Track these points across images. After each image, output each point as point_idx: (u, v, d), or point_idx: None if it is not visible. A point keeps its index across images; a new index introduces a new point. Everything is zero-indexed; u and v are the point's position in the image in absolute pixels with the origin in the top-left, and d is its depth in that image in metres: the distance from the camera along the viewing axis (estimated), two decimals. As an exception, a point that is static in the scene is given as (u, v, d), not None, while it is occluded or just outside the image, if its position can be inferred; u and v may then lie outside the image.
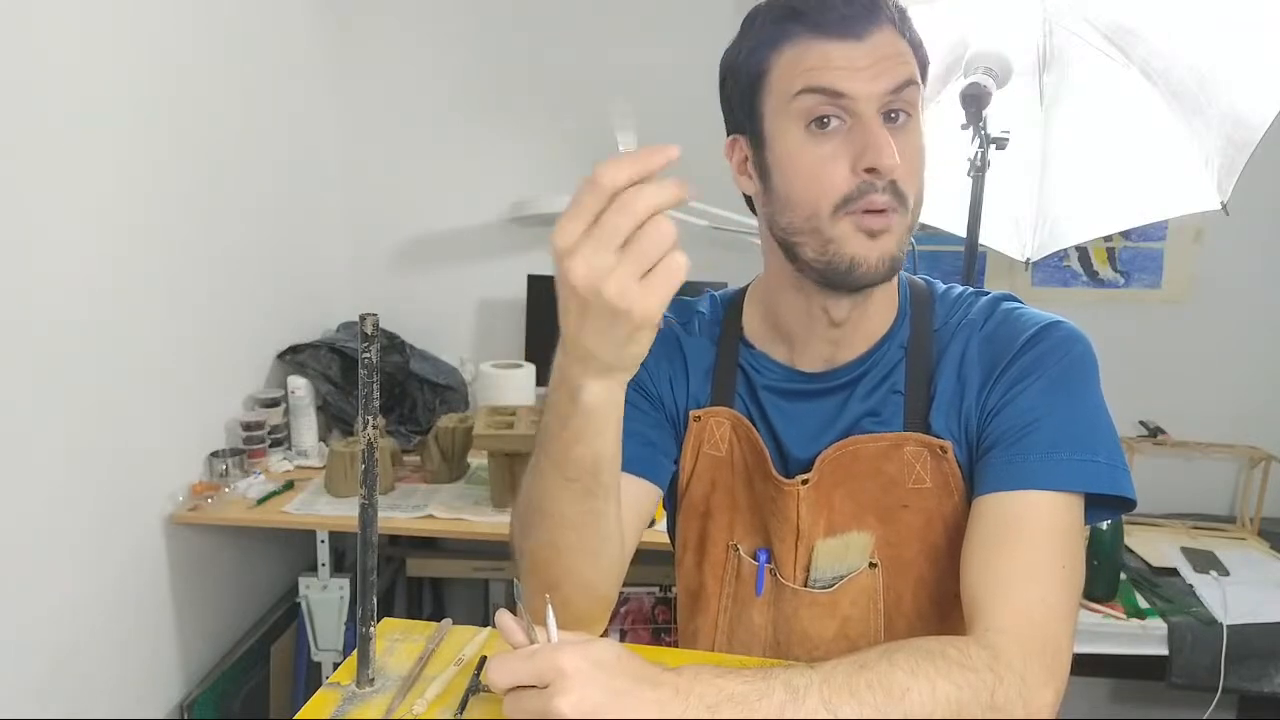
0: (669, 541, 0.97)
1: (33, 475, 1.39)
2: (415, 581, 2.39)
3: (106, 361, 1.53)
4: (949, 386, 0.80)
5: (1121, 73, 1.53)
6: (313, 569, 1.88)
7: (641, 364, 0.86)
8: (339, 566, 1.90)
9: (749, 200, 0.83)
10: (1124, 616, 1.69)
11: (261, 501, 1.80)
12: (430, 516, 1.76)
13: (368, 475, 0.71)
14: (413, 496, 1.85)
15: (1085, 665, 1.71)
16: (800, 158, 0.73)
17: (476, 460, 2.01)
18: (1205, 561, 1.88)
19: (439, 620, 0.85)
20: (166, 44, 1.66)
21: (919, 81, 0.74)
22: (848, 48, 0.70)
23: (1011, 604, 0.67)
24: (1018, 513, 0.71)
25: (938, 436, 0.79)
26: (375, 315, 0.68)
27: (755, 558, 0.86)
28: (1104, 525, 1.70)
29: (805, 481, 0.81)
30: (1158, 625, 1.67)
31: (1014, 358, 0.77)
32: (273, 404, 2.02)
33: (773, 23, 0.73)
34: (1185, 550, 1.94)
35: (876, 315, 0.82)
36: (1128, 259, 2.22)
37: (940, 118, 1.58)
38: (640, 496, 0.82)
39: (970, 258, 1.50)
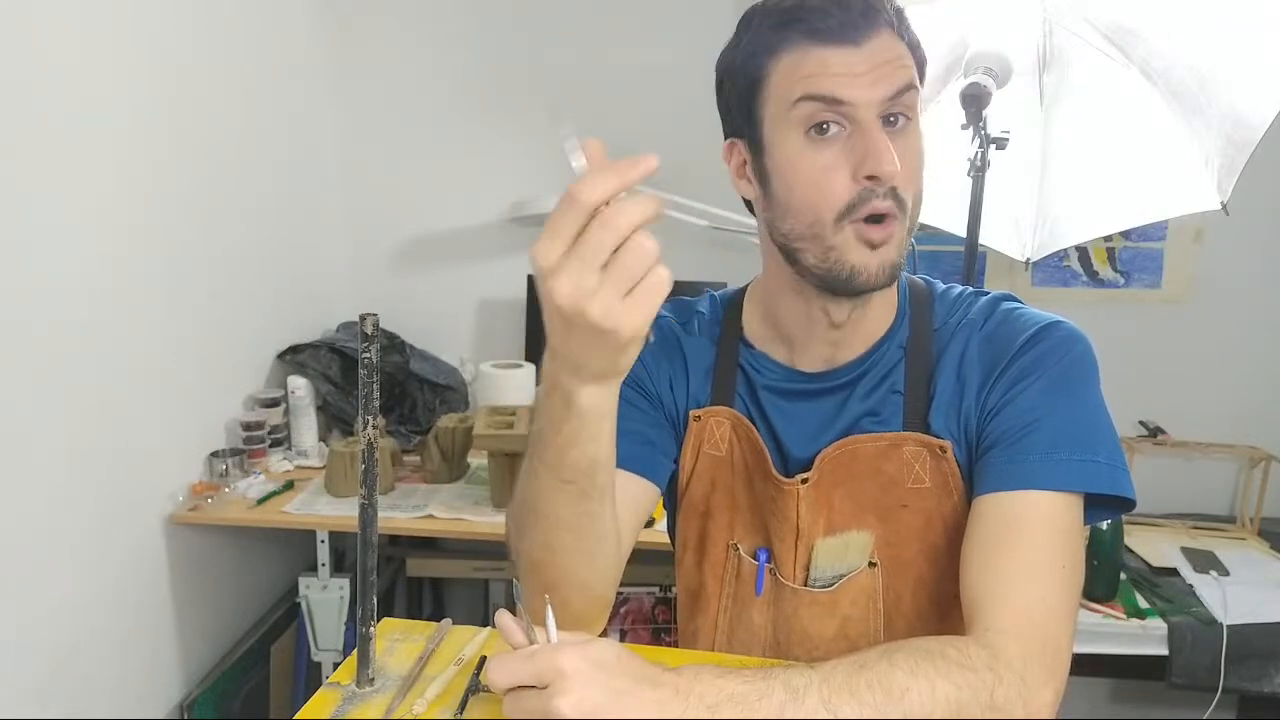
0: (669, 541, 0.97)
1: (33, 475, 1.39)
2: (415, 581, 2.39)
3: (106, 361, 1.53)
4: (948, 386, 0.80)
5: (1121, 73, 1.53)
6: (313, 569, 1.88)
7: (641, 363, 0.87)
8: (339, 566, 1.90)
9: (748, 202, 0.83)
10: (1124, 616, 1.69)
11: (261, 501, 1.80)
12: (430, 516, 1.76)
13: (368, 475, 0.71)
14: (413, 496, 1.85)
15: (1085, 665, 1.70)
16: (800, 165, 0.73)
17: (476, 460, 2.01)
18: (1205, 561, 1.88)
19: (439, 620, 0.85)
20: (166, 44, 1.66)
21: (917, 85, 0.73)
22: (846, 54, 0.70)
23: (1011, 604, 0.67)
24: (1018, 513, 0.71)
25: (937, 436, 0.79)
26: (375, 315, 0.68)
27: (755, 557, 0.86)
28: (1104, 525, 1.70)
29: (805, 481, 0.81)
30: (1158, 625, 1.67)
31: (1014, 358, 0.77)
32: (273, 404, 2.02)
33: (770, 28, 0.73)
34: (1185, 550, 1.94)
35: (876, 316, 0.82)
36: (1128, 259, 2.22)
37: (940, 118, 1.58)
38: (638, 495, 0.82)
39: (970, 258, 1.50)
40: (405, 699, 0.72)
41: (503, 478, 1.76)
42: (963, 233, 1.49)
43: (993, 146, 1.41)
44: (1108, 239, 2.20)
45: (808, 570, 0.83)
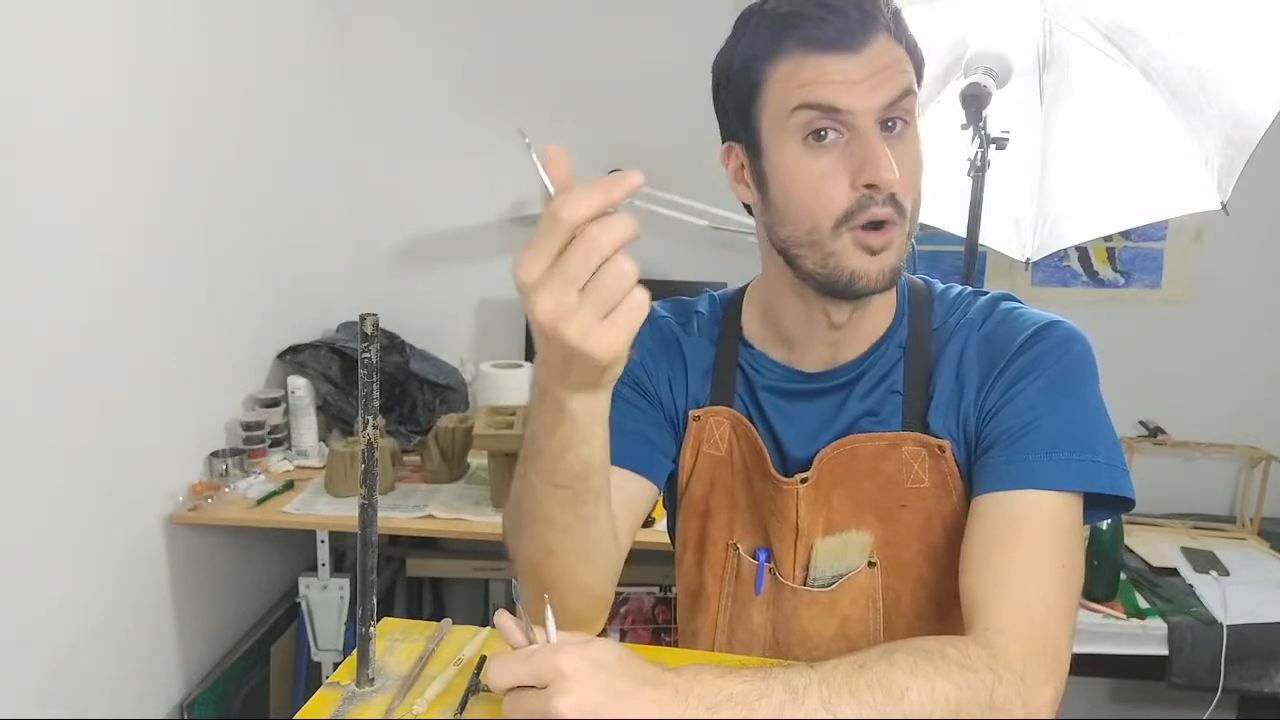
0: (669, 541, 0.97)
1: (33, 475, 1.39)
2: (415, 581, 2.39)
3: (106, 361, 1.53)
4: (947, 386, 0.80)
5: (1121, 73, 1.53)
6: (313, 569, 1.88)
7: (640, 363, 0.87)
8: (339, 566, 1.90)
9: (747, 204, 0.83)
10: (1124, 616, 1.69)
11: (261, 501, 1.80)
12: (430, 516, 1.76)
13: (368, 475, 0.71)
14: (413, 496, 1.85)
15: (1085, 665, 1.70)
16: (798, 172, 0.72)
17: (476, 460, 2.01)
18: (1205, 561, 1.88)
19: (439, 620, 0.85)
20: (166, 44, 1.66)
21: (915, 90, 0.73)
22: (843, 61, 0.69)
23: (1011, 604, 0.67)
24: (1017, 512, 0.71)
25: (936, 436, 0.79)
26: (375, 315, 0.68)
27: (755, 557, 0.86)
28: (1104, 525, 1.70)
29: (804, 480, 0.81)
30: (1158, 625, 1.67)
31: (1013, 357, 0.77)
32: (273, 404, 2.02)
33: (766, 34, 0.72)
34: (1185, 550, 1.94)
35: (875, 316, 0.82)
36: (1128, 259, 2.22)
37: (940, 118, 1.58)
38: (637, 495, 0.82)
39: (970, 258, 1.50)
40: (405, 699, 0.72)
41: (503, 478, 1.76)
42: (963, 233, 1.49)
43: (993, 146, 1.41)
44: (1108, 239, 2.20)
45: (807, 570, 0.83)
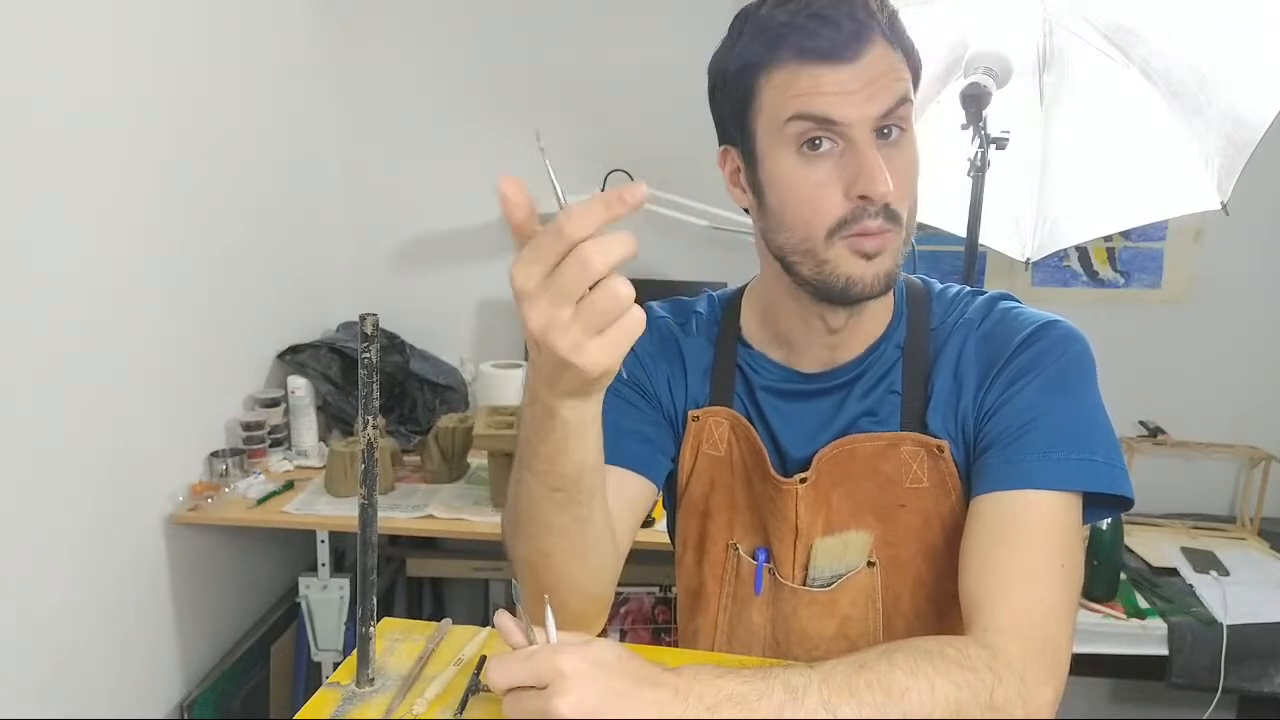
0: (669, 541, 0.97)
1: (33, 475, 1.39)
2: (415, 581, 2.39)
3: (106, 361, 1.53)
4: (946, 386, 0.80)
5: (1121, 73, 1.53)
6: (313, 569, 1.88)
7: (640, 363, 0.87)
8: (339, 566, 1.90)
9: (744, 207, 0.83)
10: (1124, 616, 1.69)
11: (261, 501, 1.80)
12: (430, 516, 1.76)
13: (368, 475, 0.71)
14: (413, 496, 1.85)
15: (1085, 665, 1.70)
16: (793, 181, 0.72)
17: (476, 460, 2.01)
18: (1205, 561, 1.88)
19: (439, 620, 0.85)
20: (166, 44, 1.66)
21: (912, 97, 0.73)
22: (837, 71, 0.69)
23: (1011, 604, 0.67)
24: (1016, 512, 0.71)
25: (935, 436, 0.79)
26: (375, 315, 0.68)
27: (754, 557, 0.86)
28: (1104, 525, 1.70)
29: (804, 481, 0.81)
30: (1158, 625, 1.67)
31: (1011, 357, 0.77)
32: (273, 404, 2.02)
33: (761, 43, 0.72)
34: (1185, 550, 1.94)
35: (873, 318, 0.82)
36: (1128, 259, 2.22)
37: (940, 118, 1.58)
38: (636, 494, 0.82)
39: (970, 258, 1.50)
40: (405, 699, 0.72)
41: (503, 478, 1.76)
42: (963, 233, 1.49)
43: (993, 146, 1.41)
44: (1108, 239, 2.20)
45: (806, 570, 0.83)
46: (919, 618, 0.83)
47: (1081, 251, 2.22)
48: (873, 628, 0.83)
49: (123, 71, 1.55)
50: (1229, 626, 1.65)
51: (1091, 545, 1.70)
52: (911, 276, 0.87)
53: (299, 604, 1.90)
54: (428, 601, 2.48)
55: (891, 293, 0.83)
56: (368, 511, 0.71)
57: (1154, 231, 2.18)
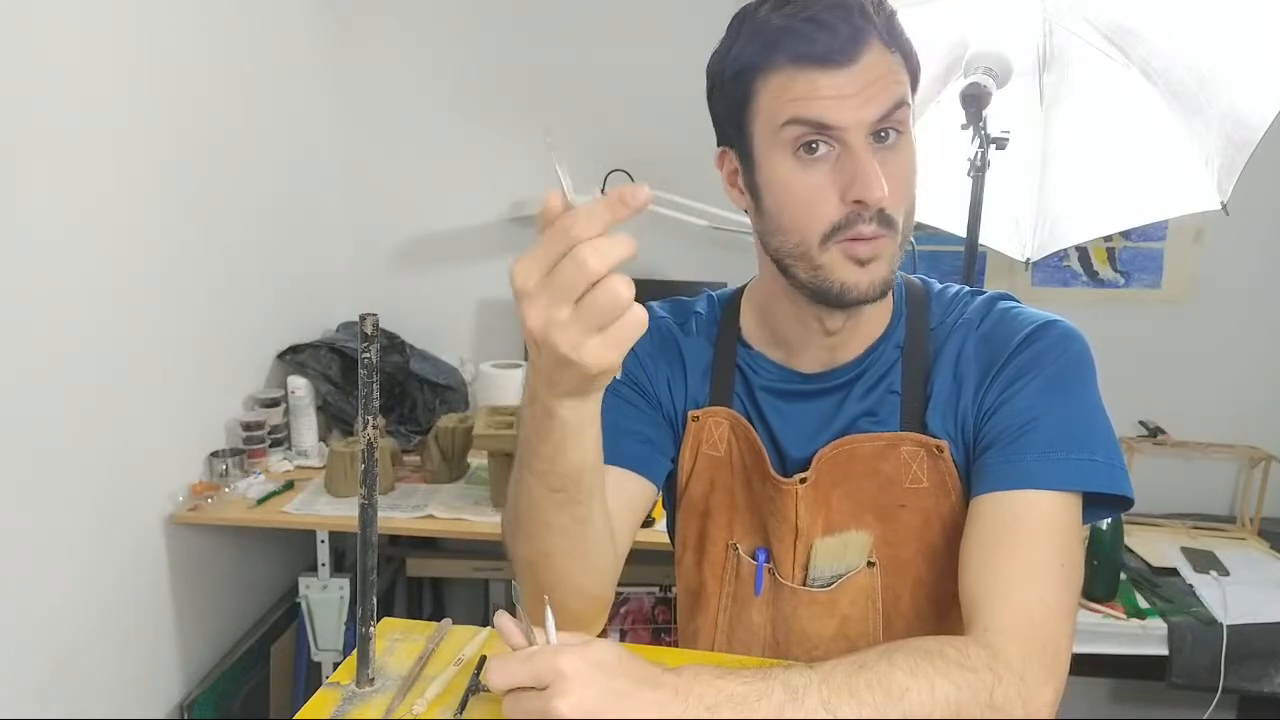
0: (669, 541, 0.97)
1: (33, 475, 1.39)
2: (415, 581, 2.39)
3: (106, 361, 1.53)
4: (945, 386, 0.80)
5: (1121, 73, 1.53)
6: (313, 569, 1.88)
7: (639, 363, 0.87)
8: (339, 566, 1.90)
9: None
10: (1124, 616, 1.69)
11: (261, 501, 1.80)
12: (430, 516, 1.76)
13: (368, 475, 0.71)
14: (413, 496, 1.85)
15: (1085, 665, 1.70)
16: (790, 185, 0.72)
17: (476, 460, 2.01)
18: (1205, 561, 1.88)
19: (439, 620, 0.85)
20: (166, 44, 1.66)
21: (909, 101, 0.73)
22: (834, 75, 0.69)
23: (1011, 604, 0.67)
24: (1016, 512, 0.71)
25: (934, 436, 0.79)
26: (375, 315, 0.68)
27: (754, 557, 0.86)
28: (1104, 525, 1.70)
29: (803, 481, 0.81)
30: (1158, 625, 1.67)
31: (1010, 357, 0.77)
32: (273, 404, 2.02)
33: (758, 46, 0.72)
34: (1185, 550, 1.94)
35: (872, 319, 0.82)
36: (1128, 259, 2.22)
37: (940, 118, 1.58)
38: (636, 494, 0.82)
39: (970, 258, 1.50)
40: (405, 699, 0.73)
41: (503, 478, 1.76)
42: (963, 233, 1.49)
43: (993, 146, 1.41)
44: (1108, 239, 2.20)
45: (806, 570, 0.83)
46: (919, 618, 0.83)
47: (1081, 251, 2.22)
48: (873, 628, 0.83)
49: (123, 71, 1.55)
50: (1229, 626, 1.65)
51: (1091, 545, 1.70)
52: (911, 276, 0.87)
53: (299, 604, 1.90)
54: (428, 601, 2.48)
55: (891, 293, 0.83)
56: (368, 511, 0.71)
57: (1154, 231, 2.18)
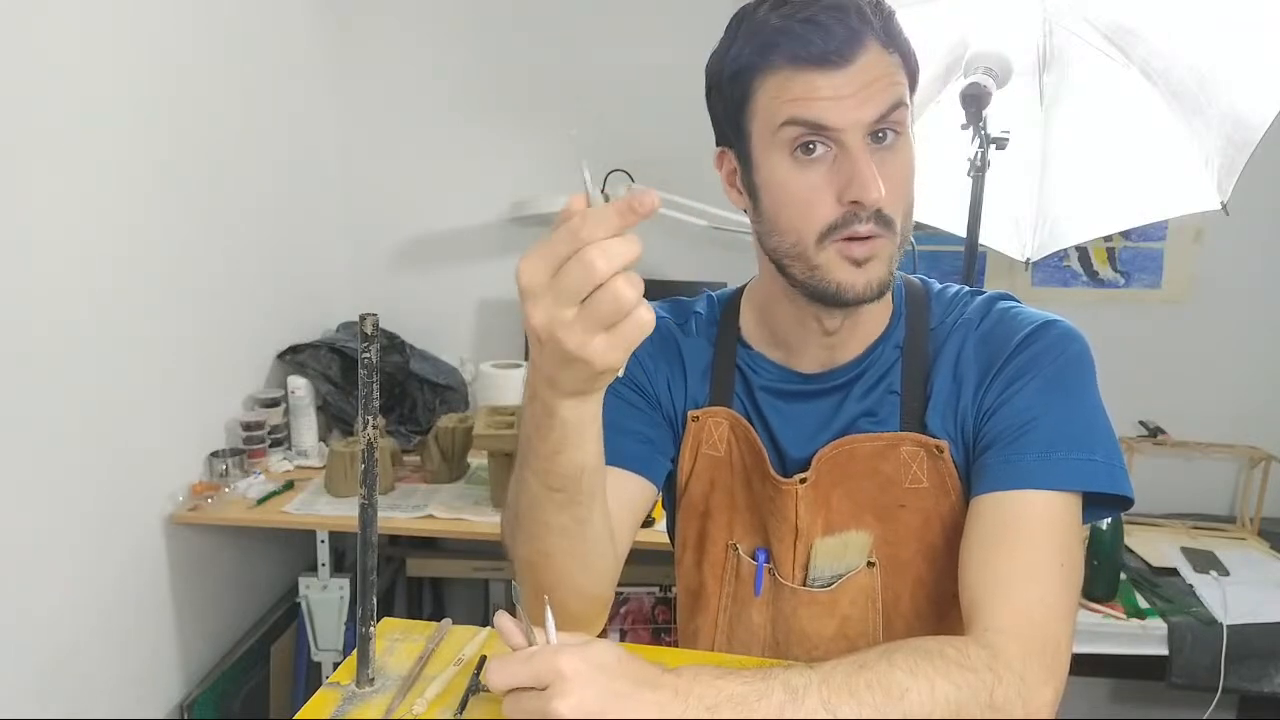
0: (669, 541, 0.97)
1: (33, 475, 1.39)
2: (415, 581, 2.39)
3: (106, 361, 1.53)
4: (945, 386, 0.80)
5: (1121, 73, 1.52)
6: (313, 569, 1.88)
7: (639, 363, 0.87)
8: (339, 566, 1.90)
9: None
10: (1124, 616, 1.69)
11: (261, 501, 1.80)
12: (430, 516, 1.76)
13: (368, 475, 0.71)
14: (413, 496, 1.85)
15: (1085, 665, 1.70)
16: (787, 186, 0.73)
17: (476, 460, 2.01)
18: (1205, 561, 1.88)
19: (439, 620, 0.85)
20: (166, 44, 1.66)
21: (907, 101, 0.73)
22: (831, 76, 0.69)
23: (1011, 604, 0.67)
24: (1016, 512, 0.71)
25: (934, 436, 0.79)
26: (375, 315, 0.68)
27: (754, 557, 0.86)
28: (1104, 525, 1.70)
29: (803, 481, 0.81)
30: (1158, 625, 1.67)
31: (1010, 357, 0.77)
32: (273, 404, 2.02)
33: (755, 47, 0.72)
34: (1185, 550, 1.94)
35: (871, 319, 0.82)
36: (1128, 259, 2.22)
37: (940, 118, 1.58)
38: (636, 495, 0.82)
39: (970, 258, 1.50)
40: (405, 699, 0.73)
41: (503, 478, 1.76)
42: (963, 233, 1.49)
43: (993, 146, 1.40)
44: (1108, 239, 2.20)
45: (806, 570, 0.83)
46: (919, 618, 0.83)
47: (1081, 251, 2.22)
48: (873, 628, 0.83)
49: (123, 71, 1.55)
50: (1229, 626, 1.65)
51: (1091, 545, 1.70)
52: (910, 277, 0.87)
53: (299, 604, 1.90)
54: (428, 601, 2.48)
55: (890, 293, 0.83)
56: (368, 511, 0.71)
57: (1154, 231, 2.18)
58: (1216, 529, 2.09)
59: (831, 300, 0.74)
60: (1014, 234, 1.80)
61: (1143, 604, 1.73)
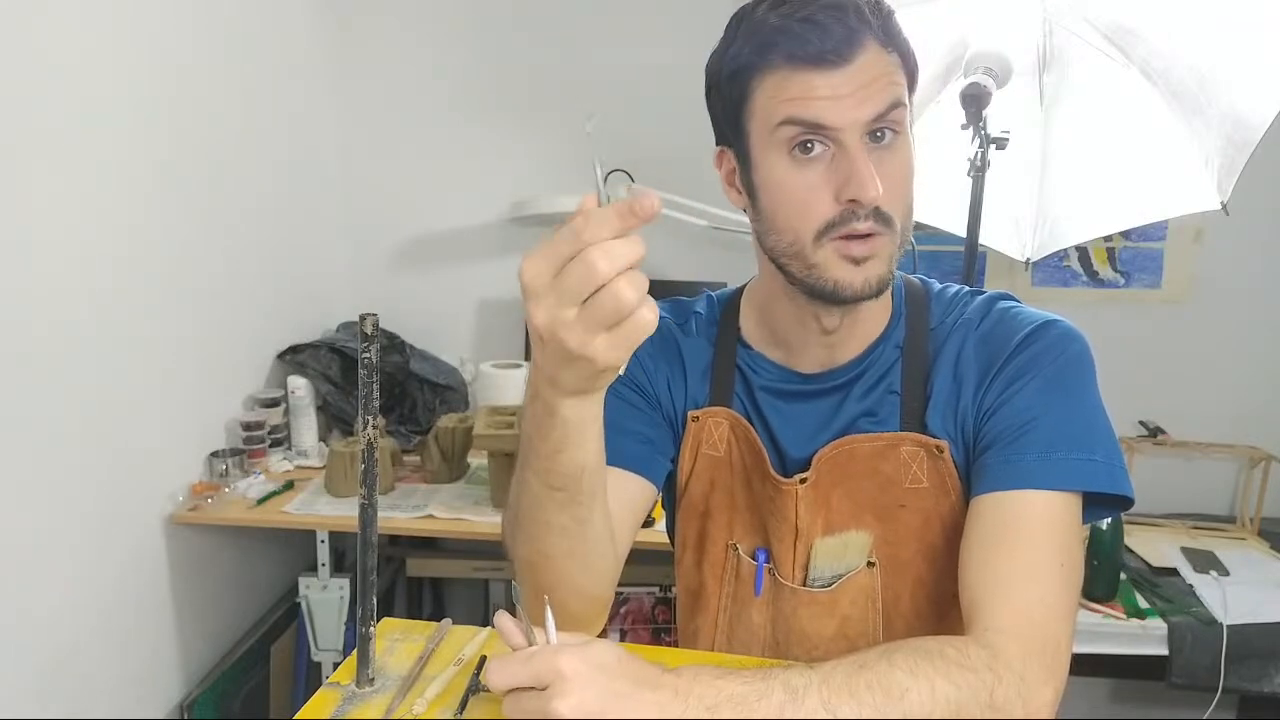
0: (669, 541, 0.97)
1: (33, 475, 1.39)
2: (415, 581, 2.39)
3: (106, 361, 1.53)
4: (945, 386, 0.80)
5: (1121, 73, 1.52)
6: (313, 569, 1.88)
7: (640, 364, 0.87)
8: (339, 566, 1.90)
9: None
10: (1124, 616, 1.69)
11: (261, 501, 1.80)
12: (430, 516, 1.76)
13: (368, 475, 0.71)
14: (413, 496, 1.85)
15: (1085, 665, 1.70)
16: (785, 185, 0.73)
17: (476, 460, 2.01)
18: (1205, 561, 1.88)
19: (439, 620, 0.85)
20: (166, 44, 1.66)
21: (906, 101, 0.73)
22: (829, 75, 0.69)
23: (1011, 604, 0.67)
24: (1016, 512, 0.71)
25: (934, 436, 0.79)
26: (375, 315, 0.68)
27: (754, 557, 0.86)
28: (1104, 525, 1.70)
29: (803, 481, 0.81)
30: (1158, 625, 1.67)
31: (1010, 357, 0.77)
32: (273, 404, 2.02)
33: (754, 46, 0.72)
34: (1185, 550, 1.94)
35: (870, 319, 0.82)
36: (1128, 259, 2.22)
37: (940, 118, 1.58)
38: (636, 495, 0.82)
39: (970, 258, 1.50)
40: (405, 699, 0.73)
41: (503, 478, 1.76)
42: (963, 233, 1.49)
43: (993, 146, 1.40)
44: (1108, 239, 2.20)
45: (806, 570, 0.83)
46: (919, 618, 0.83)
47: (1081, 251, 2.22)
48: (873, 628, 0.83)
49: (123, 71, 1.55)
50: (1229, 626, 1.65)
51: (1091, 545, 1.70)
52: (910, 276, 0.87)
53: (299, 604, 1.90)
54: (428, 601, 2.48)
55: (890, 293, 0.83)
56: (368, 511, 0.71)
57: (1154, 231, 2.18)
58: (1216, 529, 2.09)
59: (829, 298, 0.74)
60: (1014, 234, 1.80)
61: (1143, 604, 1.73)
